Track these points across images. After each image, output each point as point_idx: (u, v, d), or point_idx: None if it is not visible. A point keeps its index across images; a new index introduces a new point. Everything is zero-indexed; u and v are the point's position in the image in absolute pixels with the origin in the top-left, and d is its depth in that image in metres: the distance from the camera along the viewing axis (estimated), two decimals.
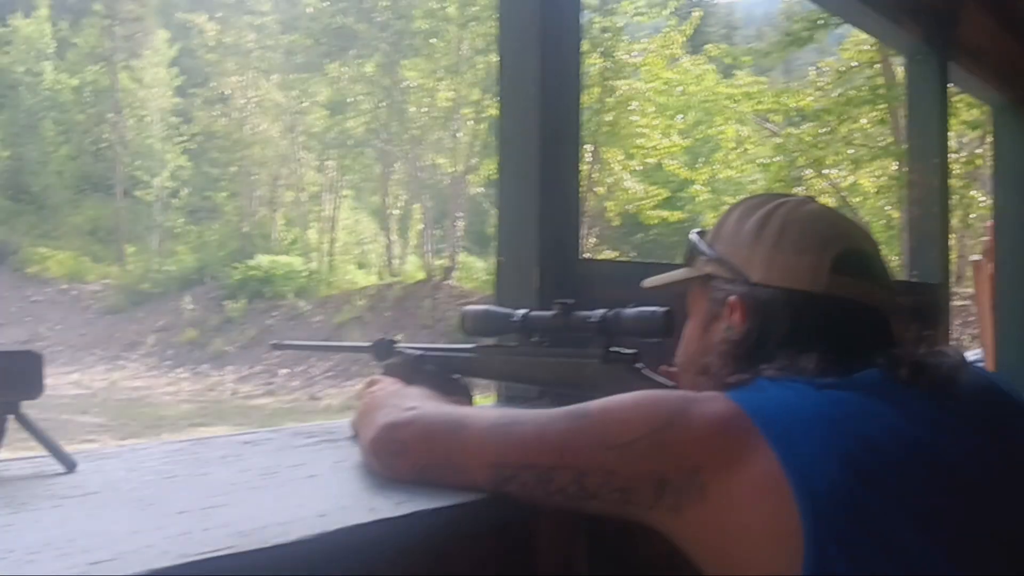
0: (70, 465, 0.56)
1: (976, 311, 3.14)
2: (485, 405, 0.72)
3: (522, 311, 0.71)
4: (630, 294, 0.70)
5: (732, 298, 0.55)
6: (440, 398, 0.63)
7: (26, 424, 0.56)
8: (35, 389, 0.55)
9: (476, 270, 13.40)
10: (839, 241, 0.55)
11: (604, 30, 11.03)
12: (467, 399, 0.73)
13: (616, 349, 0.67)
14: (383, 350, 0.75)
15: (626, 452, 0.47)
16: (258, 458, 0.62)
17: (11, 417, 0.55)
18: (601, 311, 0.67)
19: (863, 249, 0.56)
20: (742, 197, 0.63)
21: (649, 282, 0.66)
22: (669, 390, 0.58)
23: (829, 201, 11.17)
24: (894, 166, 8.95)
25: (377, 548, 0.46)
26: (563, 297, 0.69)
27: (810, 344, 0.51)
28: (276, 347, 0.91)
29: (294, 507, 0.47)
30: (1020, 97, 2.39)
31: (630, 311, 0.66)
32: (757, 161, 10.14)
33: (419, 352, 0.73)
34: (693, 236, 0.62)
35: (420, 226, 14.89)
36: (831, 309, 0.53)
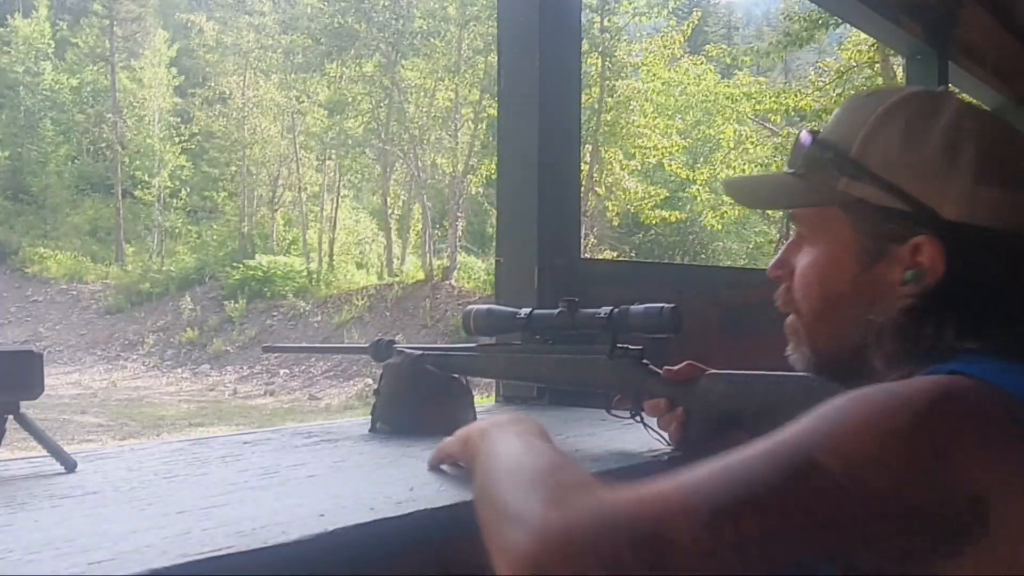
0: (70, 465, 0.56)
1: None
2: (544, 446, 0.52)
3: (526, 310, 0.70)
4: (630, 294, 0.70)
5: (919, 238, 0.43)
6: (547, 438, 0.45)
7: (26, 424, 0.55)
8: (35, 389, 0.55)
9: (476, 270, 13.39)
10: None
11: (604, 30, 11.03)
12: (468, 399, 0.72)
13: (623, 345, 0.67)
14: (382, 351, 0.75)
15: (887, 502, 0.33)
16: (258, 458, 0.62)
17: (11, 417, 0.55)
18: (608, 308, 0.66)
19: None
20: (870, 90, 0.49)
21: (746, 198, 0.54)
22: (879, 393, 0.37)
23: None
24: None
25: (377, 548, 0.46)
26: (563, 297, 0.69)
27: None
28: (267, 350, 0.90)
29: (294, 507, 0.47)
30: (1019, 97, 2.39)
31: (638, 308, 0.65)
32: (757, 161, 10.14)
33: (419, 352, 0.73)
34: (806, 138, 0.48)
35: (420, 226, 14.89)
36: None
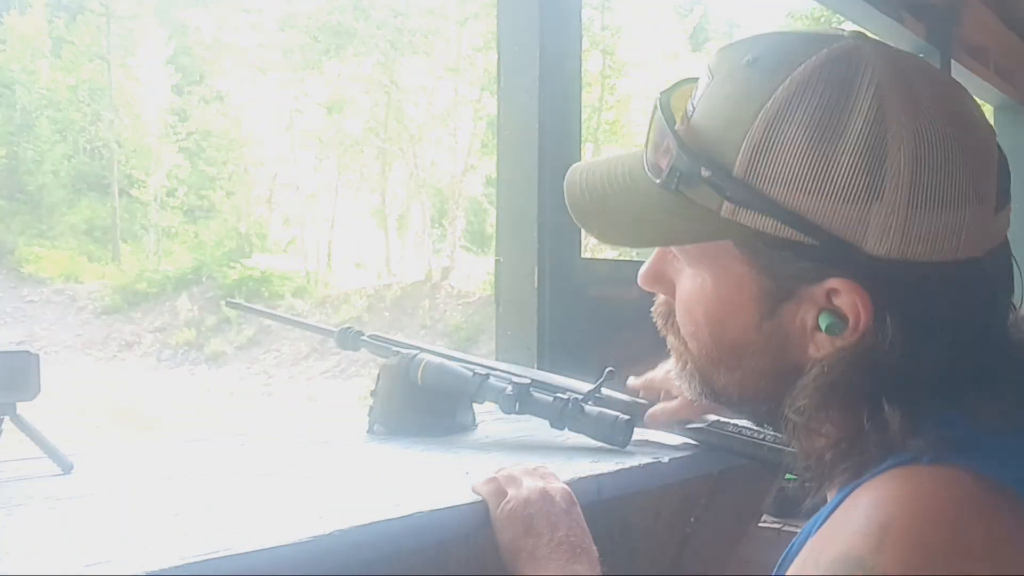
0: (66, 467, 0.55)
1: None
2: None
3: (483, 372, 0.66)
4: (630, 294, 0.70)
5: (833, 281, 0.32)
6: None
7: (22, 425, 0.55)
8: (32, 390, 0.55)
9: (476, 270, 13.39)
10: (993, 151, 0.32)
11: (604, 28, 11.02)
12: (466, 400, 0.72)
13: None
14: (348, 339, 0.74)
15: None
16: (258, 458, 0.61)
17: (7, 418, 0.54)
18: (564, 397, 0.62)
19: (995, 140, 0.33)
20: (743, 52, 0.33)
21: (591, 218, 0.38)
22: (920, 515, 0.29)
23: None
24: None
25: (377, 548, 0.46)
26: (564, 297, 0.68)
27: (996, 356, 0.31)
28: (230, 305, 0.88)
29: (294, 507, 0.47)
30: (1021, 96, 2.39)
31: (592, 410, 0.61)
32: None
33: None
34: (663, 132, 0.34)
35: (419, 226, 14.88)
36: (1002, 270, 0.32)
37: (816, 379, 0.33)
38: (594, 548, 0.47)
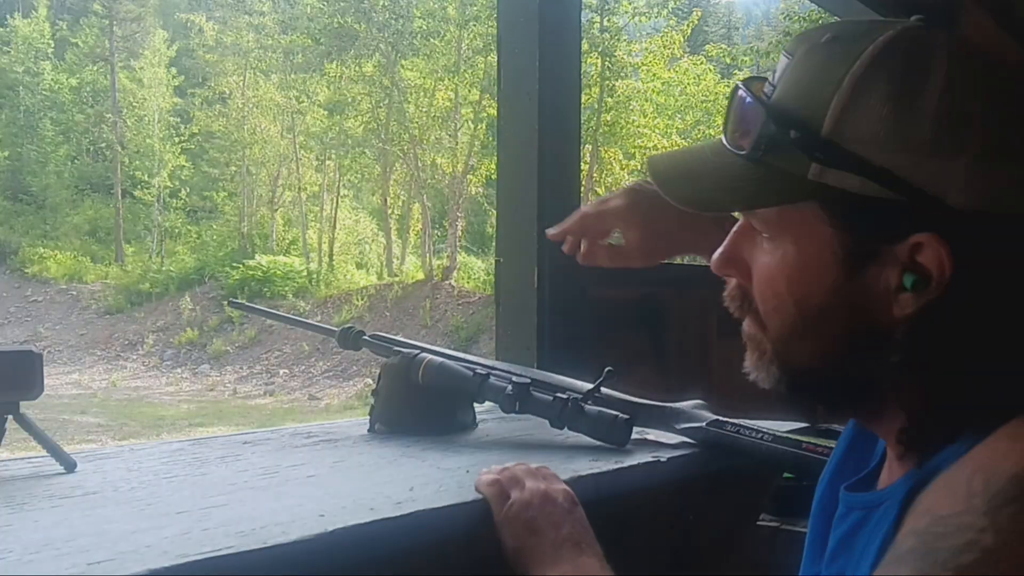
0: (69, 465, 0.56)
1: None
2: None
3: (483, 371, 0.66)
4: (630, 294, 0.70)
5: (920, 235, 0.33)
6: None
7: (25, 424, 0.55)
8: (35, 389, 0.55)
9: (476, 270, 13.40)
10: None
11: (604, 30, 11.03)
12: (467, 400, 0.72)
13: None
14: (349, 339, 0.74)
15: None
16: (258, 458, 0.62)
17: (10, 417, 0.55)
18: (563, 396, 0.62)
19: None
20: (830, 30, 0.35)
21: (680, 192, 0.38)
22: None
23: None
24: None
25: (377, 548, 0.46)
26: (564, 297, 0.68)
27: None
28: (233, 305, 0.90)
29: (294, 507, 0.47)
30: None
31: (592, 409, 0.61)
32: None
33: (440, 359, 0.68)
34: (750, 104, 0.35)
35: (420, 226, 14.89)
36: None
37: (907, 336, 0.34)
38: (598, 546, 0.47)
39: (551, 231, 0.66)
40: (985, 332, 0.33)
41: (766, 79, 0.38)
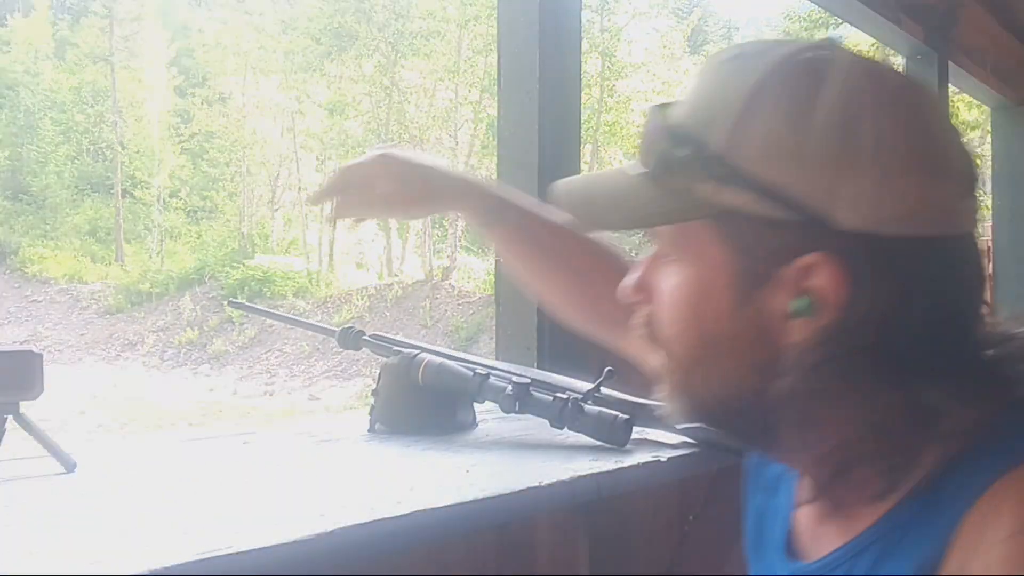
0: (69, 466, 0.56)
1: None
2: None
3: (483, 372, 0.66)
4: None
5: (810, 256, 0.32)
6: None
7: (25, 424, 0.55)
8: (35, 389, 0.55)
9: (476, 270, 13.40)
10: (957, 138, 0.33)
11: (604, 30, 11.03)
12: (467, 399, 0.72)
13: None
14: (349, 339, 0.74)
15: None
16: (258, 458, 0.62)
17: (10, 417, 0.55)
18: (563, 397, 0.62)
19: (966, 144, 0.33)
20: (733, 50, 0.35)
21: (582, 214, 0.39)
22: None
23: None
24: None
25: (377, 548, 0.46)
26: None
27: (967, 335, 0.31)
28: (233, 305, 0.89)
29: (294, 507, 0.47)
30: (1018, 97, 2.39)
31: (592, 409, 0.61)
32: None
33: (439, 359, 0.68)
34: (655, 122, 0.35)
35: (420, 226, 14.89)
36: (968, 258, 0.32)
37: (798, 364, 0.33)
38: None
39: (312, 198, 0.64)
40: (886, 357, 0.31)
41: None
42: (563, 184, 0.41)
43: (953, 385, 0.32)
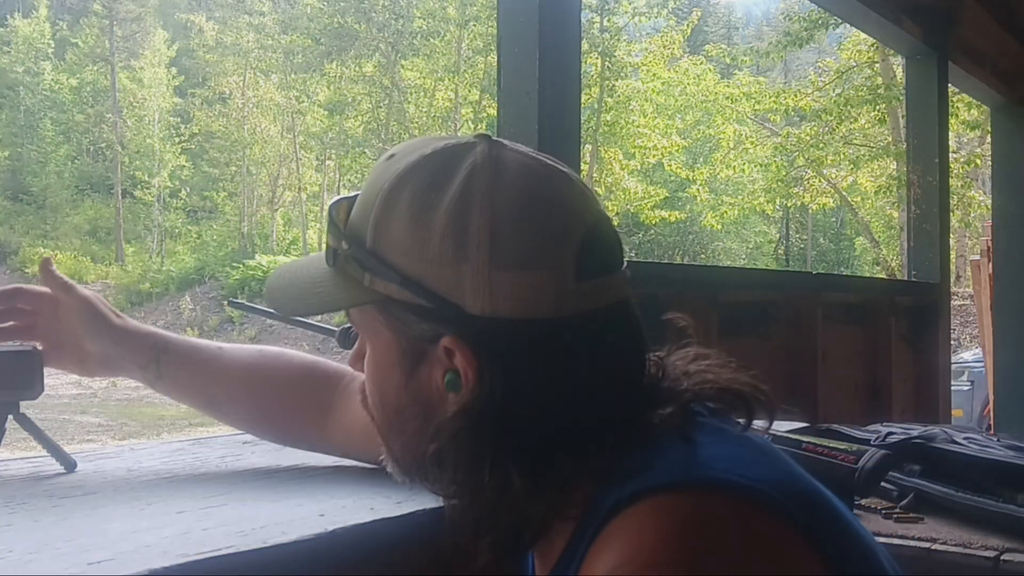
0: (70, 465, 0.56)
1: (976, 311, 3.14)
2: None
3: None
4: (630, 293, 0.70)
5: (445, 339, 0.36)
6: None
7: (25, 424, 0.55)
8: (35, 388, 0.55)
9: None
10: (575, 228, 0.37)
11: (603, 30, 11.04)
12: None
13: None
14: (349, 338, 0.74)
15: None
16: (258, 458, 0.62)
17: (10, 417, 0.55)
18: None
19: (600, 227, 0.38)
20: (388, 152, 0.40)
21: (280, 302, 0.44)
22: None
23: (828, 202, 11.27)
24: (893, 166, 8.97)
25: (377, 548, 0.46)
26: None
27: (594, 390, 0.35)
28: (233, 305, 0.89)
29: (294, 507, 0.47)
30: (1018, 97, 2.39)
31: None
32: (756, 161, 10.17)
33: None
34: (332, 213, 0.40)
35: None
36: (600, 331, 0.36)
37: (438, 436, 0.37)
38: None
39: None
40: (521, 426, 0.35)
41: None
42: (273, 275, 0.46)
43: (585, 446, 0.35)
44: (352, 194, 0.41)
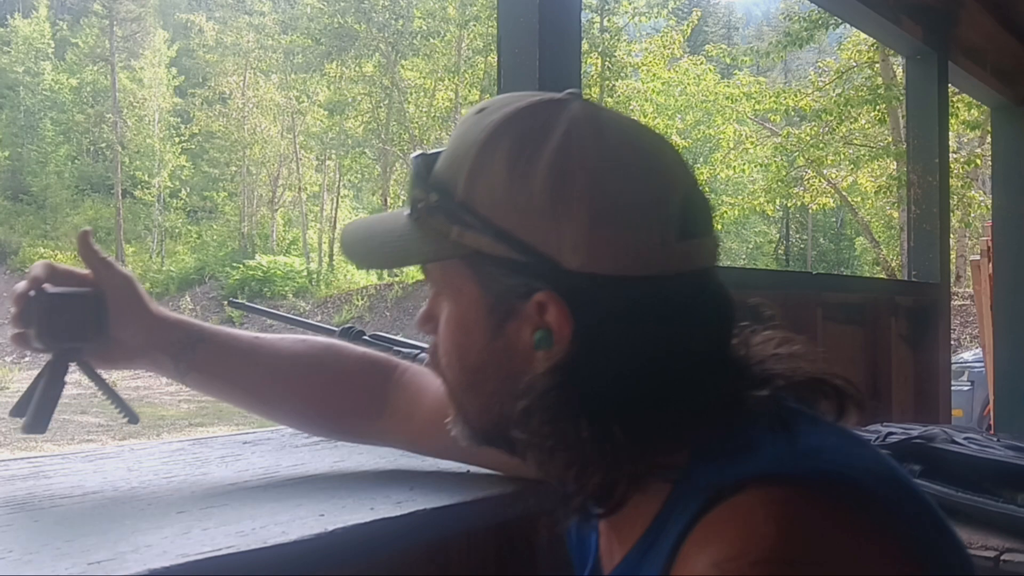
0: (134, 418, 0.52)
1: (976, 311, 3.14)
2: None
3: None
4: None
5: (540, 294, 0.35)
6: None
7: (88, 371, 0.49)
8: (100, 334, 0.49)
9: None
10: (677, 187, 0.36)
11: (603, 30, 11.04)
12: None
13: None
14: (349, 338, 0.74)
15: None
16: (258, 458, 0.62)
17: (73, 364, 0.48)
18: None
19: (697, 189, 0.37)
20: (478, 106, 0.39)
21: (358, 253, 0.42)
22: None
23: (828, 202, 11.28)
24: (893, 166, 8.97)
25: (377, 548, 0.46)
26: None
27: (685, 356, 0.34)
28: (233, 305, 0.88)
29: (294, 507, 0.47)
30: (1018, 97, 2.39)
31: None
32: (756, 161, 10.17)
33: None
34: (416, 167, 0.39)
35: None
36: (695, 294, 0.35)
37: (528, 393, 0.36)
38: None
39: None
40: (615, 387, 0.34)
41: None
42: (348, 226, 0.44)
43: (679, 409, 0.34)
44: (435, 149, 0.39)
